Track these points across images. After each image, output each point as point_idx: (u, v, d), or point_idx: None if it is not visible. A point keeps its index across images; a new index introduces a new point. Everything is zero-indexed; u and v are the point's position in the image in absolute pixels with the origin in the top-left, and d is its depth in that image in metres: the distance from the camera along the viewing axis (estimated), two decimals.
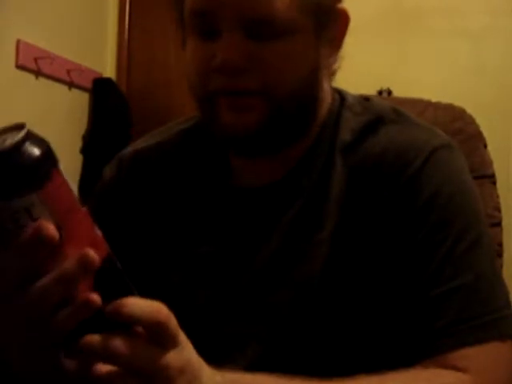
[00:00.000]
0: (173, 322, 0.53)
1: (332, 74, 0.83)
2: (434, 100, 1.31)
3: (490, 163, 1.22)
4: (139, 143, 0.92)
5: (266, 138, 0.76)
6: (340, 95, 0.86)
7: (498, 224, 1.17)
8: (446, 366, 0.68)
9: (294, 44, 0.74)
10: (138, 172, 0.89)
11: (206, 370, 0.57)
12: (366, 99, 0.85)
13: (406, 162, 0.76)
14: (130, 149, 0.92)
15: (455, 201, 0.75)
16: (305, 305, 0.77)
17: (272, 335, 0.77)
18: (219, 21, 0.73)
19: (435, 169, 0.76)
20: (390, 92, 2.63)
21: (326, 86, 0.82)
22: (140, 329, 0.53)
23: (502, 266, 1.10)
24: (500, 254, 1.14)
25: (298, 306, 0.77)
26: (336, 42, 0.80)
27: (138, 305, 0.52)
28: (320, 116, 0.82)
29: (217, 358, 0.60)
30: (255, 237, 0.80)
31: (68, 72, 2.70)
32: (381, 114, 0.82)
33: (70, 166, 2.78)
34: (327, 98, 0.83)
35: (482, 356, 0.69)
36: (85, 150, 2.82)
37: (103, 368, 0.52)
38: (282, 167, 0.82)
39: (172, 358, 0.53)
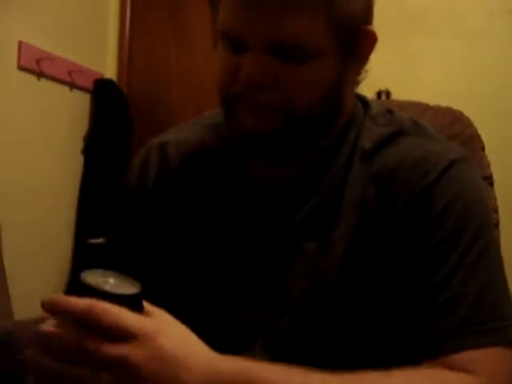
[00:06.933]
0: (124, 315, 0.59)
1: (357, 83, 0.85)
2: (432, 101, 1.32)
3: (488, 165, 1.23)
4: (167, 135, 0.95)
5: (281, 143, 0.79)
6: (363, 103, 0.88)
7: (496, 226, 1.19)
8: (451, 368, 0.69)
9: (318, 68, 0.76)
10: (164, 163, 0.92)
11: (196, 357, 0.60)
12: (389, 111, 0.88)
13: (423, 173, 0.78)
14: (158, 139, 0.95)
15: (469, 211, 0.77)
16: (314, 300, 0.79)
17: (280, 327, 0.79)
18: (245, 39, 0.75)
19: (451, 181, 0.78)
20: (388, 93, 2.62)
21: (348, 93, 0.83)
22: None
23: None
24: None
25: (306, 301, 0.79)
26: (362, 59, 0.82)
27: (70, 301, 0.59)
28: (340, 120, 0.84)
29: (226, 346, 0.63)
30: (269, 230, 0.83)
31: (69, 73, 2.71)
32: (401, 126, 0.84)
33: (71, 166, 2.79)
34: (349, 105, 0.85)
35: (488, 360, 0.70)
36: (86, 151, 2.83)
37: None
38: (298, 166, 0.84)
39: (130, 349, 0.58)
